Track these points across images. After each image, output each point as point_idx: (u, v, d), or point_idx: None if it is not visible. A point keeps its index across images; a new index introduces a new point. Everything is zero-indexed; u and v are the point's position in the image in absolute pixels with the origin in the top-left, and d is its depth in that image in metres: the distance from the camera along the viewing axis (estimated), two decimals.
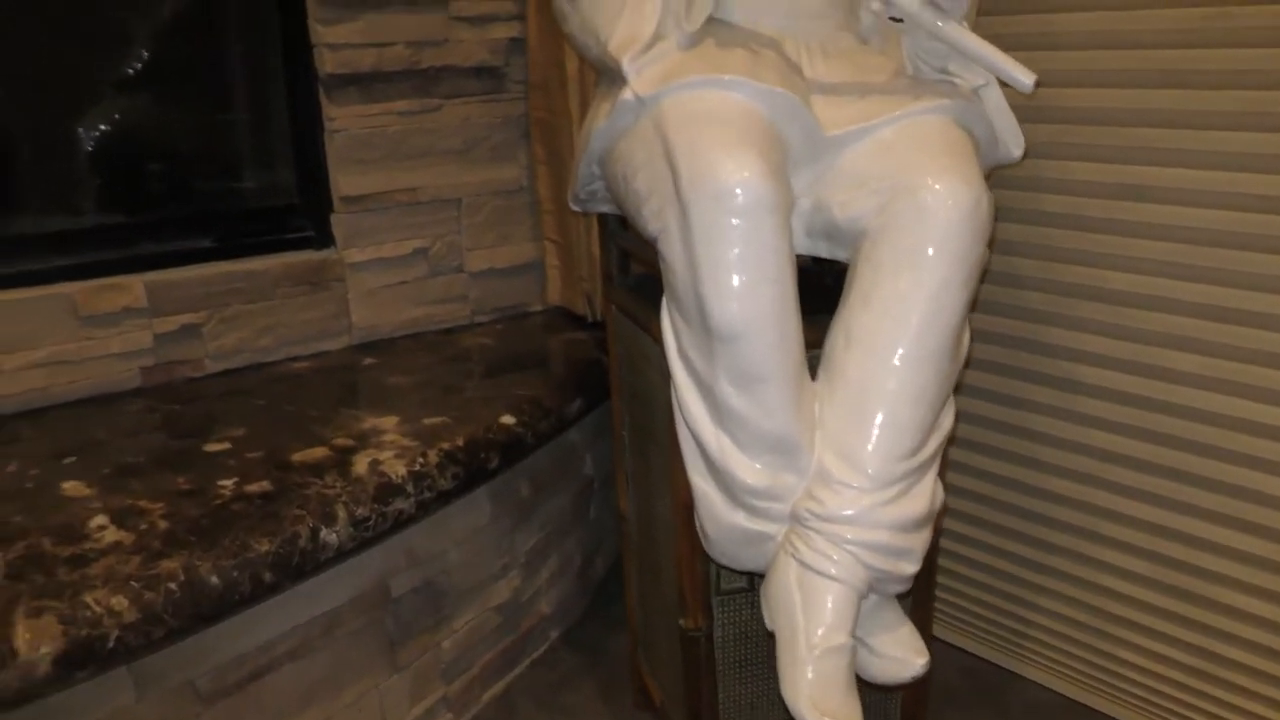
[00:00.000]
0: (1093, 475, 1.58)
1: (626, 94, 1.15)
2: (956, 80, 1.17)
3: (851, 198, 1.14)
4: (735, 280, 1.04)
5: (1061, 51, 1.48)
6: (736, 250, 1.04)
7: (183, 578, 1.15)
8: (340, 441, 1.48)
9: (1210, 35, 1.35)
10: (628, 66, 1.15)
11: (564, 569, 1.92)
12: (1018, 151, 1.23)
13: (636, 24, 1.18)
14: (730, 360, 1.07)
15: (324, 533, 1.28)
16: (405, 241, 1.94)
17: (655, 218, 1.11)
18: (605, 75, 1.27)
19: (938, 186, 1.08)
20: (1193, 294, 1.42)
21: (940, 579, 1.82)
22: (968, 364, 1.30)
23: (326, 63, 1.78)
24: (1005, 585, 1.75)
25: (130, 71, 1.78)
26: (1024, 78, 1.09)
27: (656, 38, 1.17)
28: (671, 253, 1.09)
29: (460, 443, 1.48)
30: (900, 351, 1.08)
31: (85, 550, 1.19)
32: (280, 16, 1.80)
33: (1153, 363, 1.48)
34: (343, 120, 1.82)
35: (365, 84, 1.83)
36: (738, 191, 1.03)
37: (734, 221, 1.03)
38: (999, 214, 1.42)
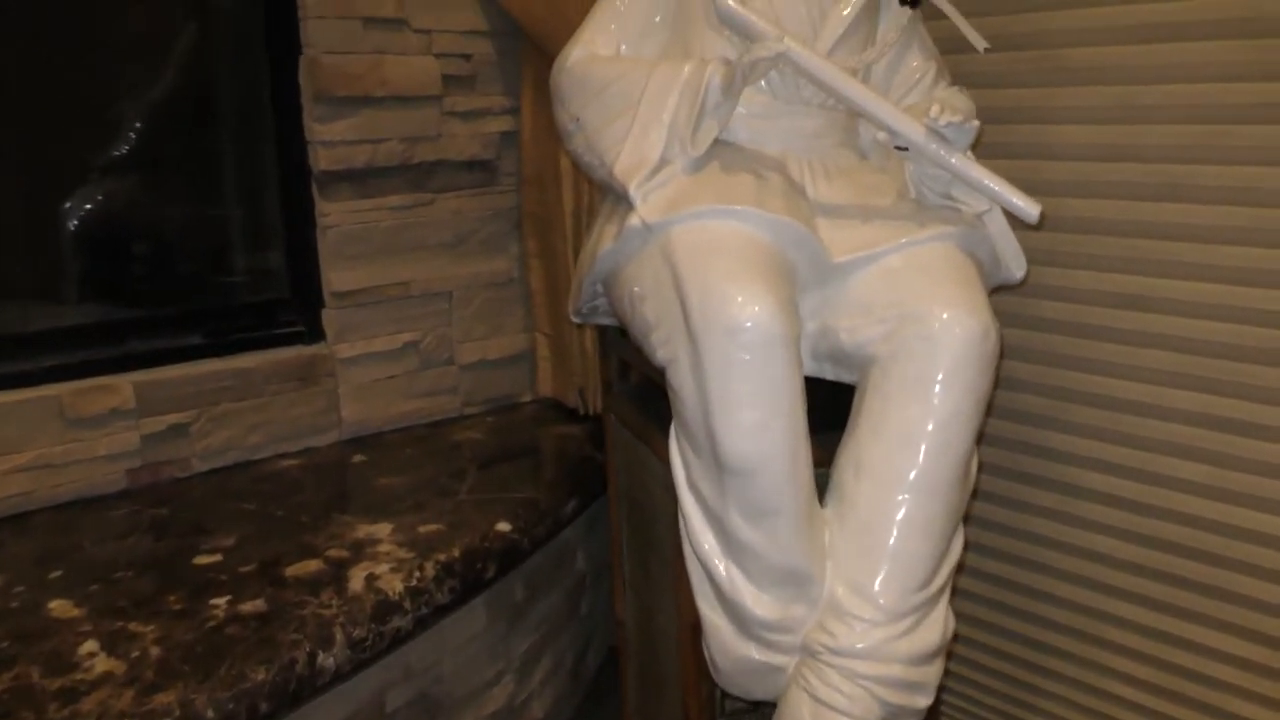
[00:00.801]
0: (1093, 579, 1.57)
1: (634, 220, 1.14)
2: (960, 206, 1.17)
3: (858, 324, 1.13)
4: (747, 416, 1.04)
5: (1059, 161, 1.49)
6: (748, 385, 1.03)
7: (178, 713, 1.11)
8: (334, 553, 1.45)
9: (1210, 151, 1.36)
10: (634, 192, 1.14)
11: (557, 669, 1.89)
12: (1019, 273, 1.24)
13: (643, 148, 1.18)
14: (742, 494, 1.06)
15: (321, 657, 1.25)
16: (396, 335, 1.92)
17: (664, 346, 1.10)
18: (610, 194, 1.27)
19: (945, 316, 1.08)
20: (1194, 403, 1.43)
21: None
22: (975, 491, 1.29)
23: (321, 160, 1.78)
24: (1005, 687, 1.73)
25: (121, 164, 1.77)
26: (1030, 209, 1.10)
27: (663, 162, 1.17)
28: (682, 384, 1.08)
29: (457, 554, 1.45)
30: (910, 484, 1.08)
31: (76, 682, 1.15)
32: (275, 113, 1.80)
33: (1153, 469, 1.48)
34: (335, 216, 1.81)
35: (359, 180, 1.83)
36: (749, 325, 1.03)
37: (745, 356, 1.03)
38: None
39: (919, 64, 1.34)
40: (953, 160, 1.11)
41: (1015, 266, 1.23)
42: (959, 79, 1.41)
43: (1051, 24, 1.47)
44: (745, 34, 1.16)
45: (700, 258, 1.08)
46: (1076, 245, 1.49)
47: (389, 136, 1.84)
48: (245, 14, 1.78)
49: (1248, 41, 1.32)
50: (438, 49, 1.88)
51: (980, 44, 1.32)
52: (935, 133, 1.11)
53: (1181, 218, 1.40)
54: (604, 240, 1.22)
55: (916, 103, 1.30)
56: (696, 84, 1.17)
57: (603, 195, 1.34)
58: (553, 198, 1.90)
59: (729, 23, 1.17)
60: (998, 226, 1.20)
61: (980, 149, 1.31)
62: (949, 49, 1.42)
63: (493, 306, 2.03)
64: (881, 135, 1.15)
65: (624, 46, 1.30)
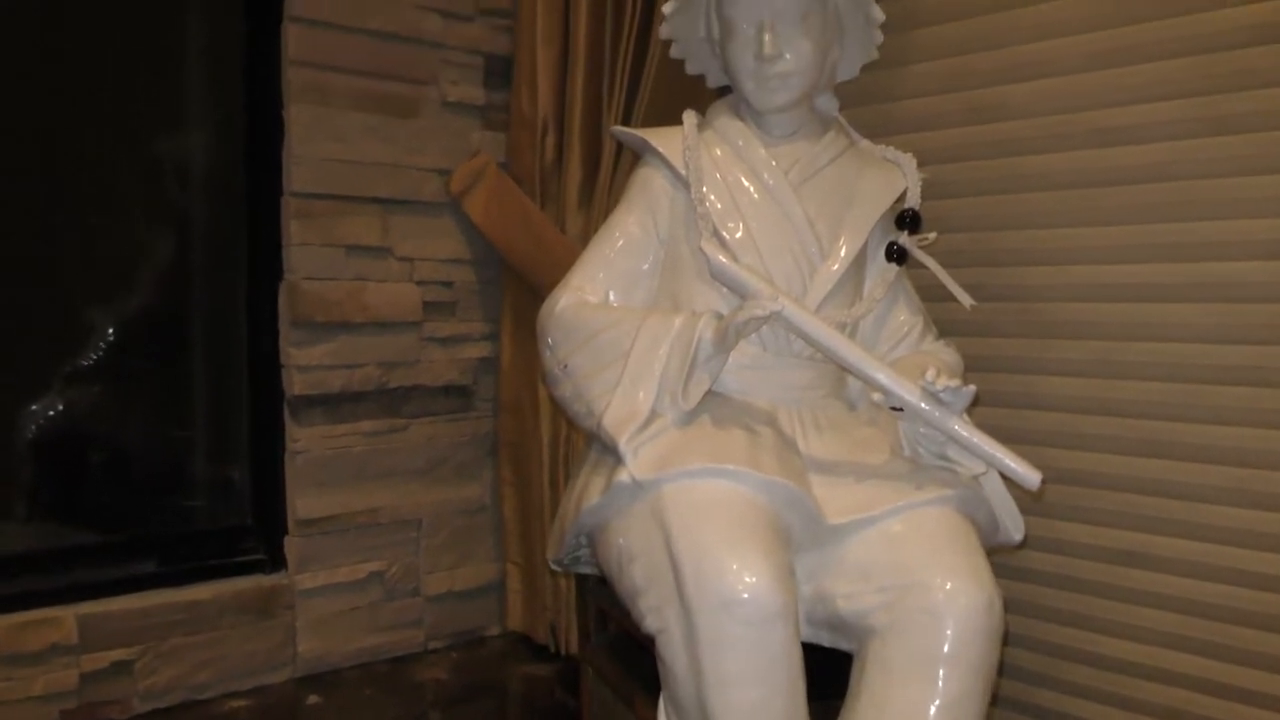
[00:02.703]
0: None
1: (623, 476, 1.10)
2: (956, 467, 1.15)
3: (857, 591, 1.08)
4: (745, 694, 0.97)
5: (1045, 412, 1.49)
6: (746, 662, 0.97)
7: None
8: None
9: (1192, 410, 1.36)
10: (625, 447, 1.11)
11: None
12: (1018, 536, 1.20)
13: (632, 400, 1.15)
14: None
15: None
16: (361, 565, 1.84)
17: (654, 614, 1.05)
18: (597, 441, 1.23)
19: (949, 586, 1.03)
20: (1191, 667, 1.37)
21: None
22: None
23: (295, 384, 1.74)
24: None
25: (83, 375, 1.73)
26: (1030, 476, 1.07)
27: (653, 414, 1.15)
28: (674, 658, 1.02)
29: None
30: None
31: None
32: (250, 335, 1.78)
33: None
34: (306, 441, 1.76)
35: (332, 405, 1.79)
36: (745, 598, 0.98)
37: (742, 632, 0.97)
38: None
39: (906, 318, 1.35)
40: (950, 424, 1.09)
41: (1014, 529, 1.20)
42: (942, 326, 1.42)
43: (1030, 279, 1.50)
44: (739, 290, 1.16)
45: (694, 520, 1.04)
46: (1065, 498, 1.47)
47: (366, 361, 1.82)
48: (228, 235, 1.78)
49: (1227, 305, 1.34)
50: (419, 276, 1.88)
51: (966, 300, 1.34)
52: (931, 395, 1.09)
53: (1169, 475, 1.39)
54: (590, 493, 1.17)
55: (904, 356, 1.30)
56: (688, 337, 1.16)
57: (587, 440, 1.31)
58: (530, 427, 1.87)
59: (722, 279, 1.17)
60: (995, 489, 1.17)
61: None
62: (931, 297, 1.43)
63: (463, 535, 1.97)
64: (876, 395, 1.13)
65: (613, 294, 1.29)
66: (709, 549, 1.00)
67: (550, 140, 1.82)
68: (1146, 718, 1.42)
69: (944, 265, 1.31)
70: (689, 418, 1.16)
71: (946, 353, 1.33)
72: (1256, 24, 1.31)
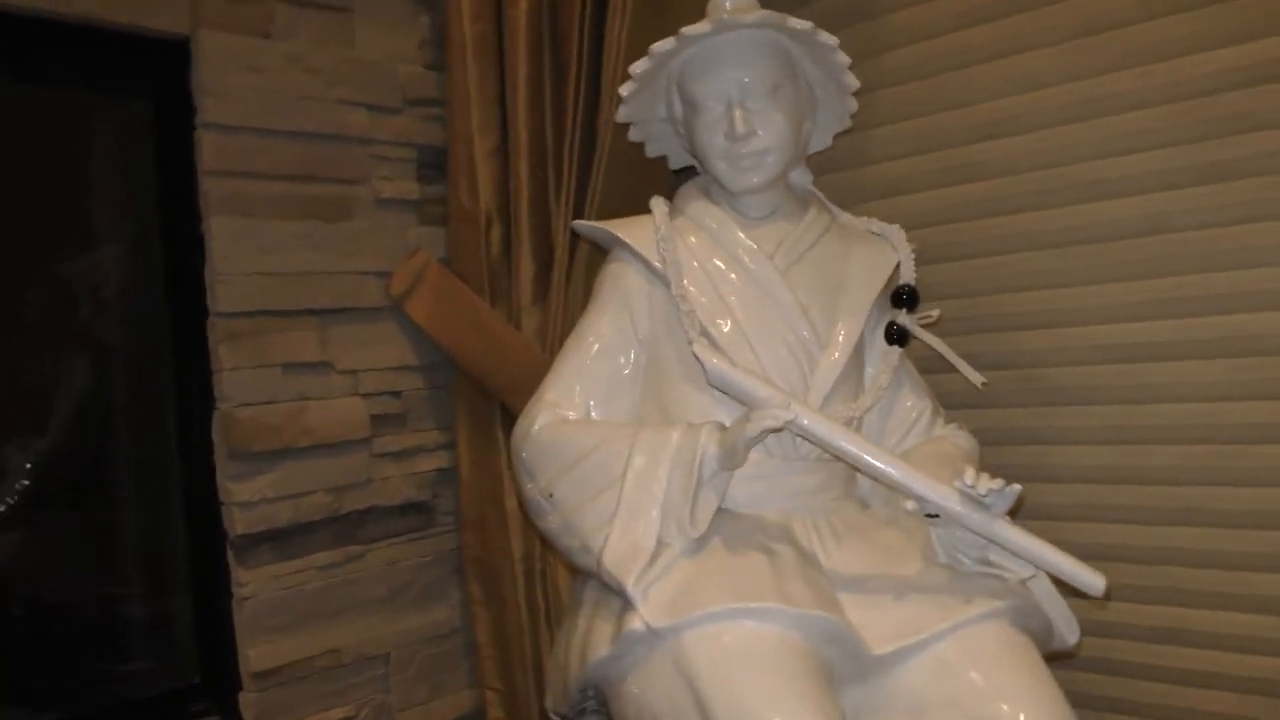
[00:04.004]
0: None
1: (635, 624, 0.97)
2: (1003, 573, 1.03)
3: None
4: None
5: (1060, 484, 1.39)
6: None
7: None
8: None
9: (1221, 473, 1.27)
10: (633, 591, 0.98)
11: None
12: (1073, 639, 1.09)
13: (634, 533, 1.02)
14: None
15: None
16: (327, 713, 1.66)
17: None
18: (594, 578, 1.10)
19: (1023, 717, 0.92)
20: None
21: None
22: None
23: (237, 523, 1.57)
24: None
25: None
26: (1095, 581, 0.96)
27: (659, 545, 1.02)
28: None
29: None
30: None
31: None
32: (184, 472, 1.61)
33: None
34: (255, 584, 1.59)
35: (281, 540, 1.62)
36: None
37: None
38: None
39: (913, 403, 1.24)
40: (997, 530, 0.98)
41: (1068, 632, 1.09)
42: (943, 399, 1.32)
43: (1028, 344, 1.41)
44: (742, 398, 1.04)
45: (727, 674, 0.91)
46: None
47: (313, 488, 1.66)
48: (152, 363, 1.62)
49: (1242, 360, 1.26)
50: (364, 388, 1.73)
51: (977, 379, 1.24)
52: (971, 499, 0.98)
53: (1202, 544, 1.30)
54: (597, 642, 1.04)
55: (922, 448, 1.19)
56: (690, 454, 1.03)
57: (576, 573, 1.17)
58: (498, 543, 1.72)
59: (722, 386, 1.05)
60: (1045, 591, 1.06)
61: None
62: (921, 369, 1.34)
63: (435, 664, 1.80)
64: (910, 504, 1.01)
65: (593, 406, 1.17)
66: (751, 709, 0.87)
67: (495, 233, 1.69)
68: None
69: (934, 336, 1.22)
70: (699, 544, 1.03)
71: (962, 437, 1.23)
72: (1239, 67, 1.25)
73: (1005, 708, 0.92)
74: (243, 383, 1.59)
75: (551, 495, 1.10)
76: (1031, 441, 1.41)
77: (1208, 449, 1.28)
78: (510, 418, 1.67)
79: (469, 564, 1.79)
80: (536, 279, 1.65)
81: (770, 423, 0.98)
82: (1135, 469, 1.33)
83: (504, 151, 1.66)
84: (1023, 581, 1.04)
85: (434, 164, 1.81)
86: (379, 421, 1.75)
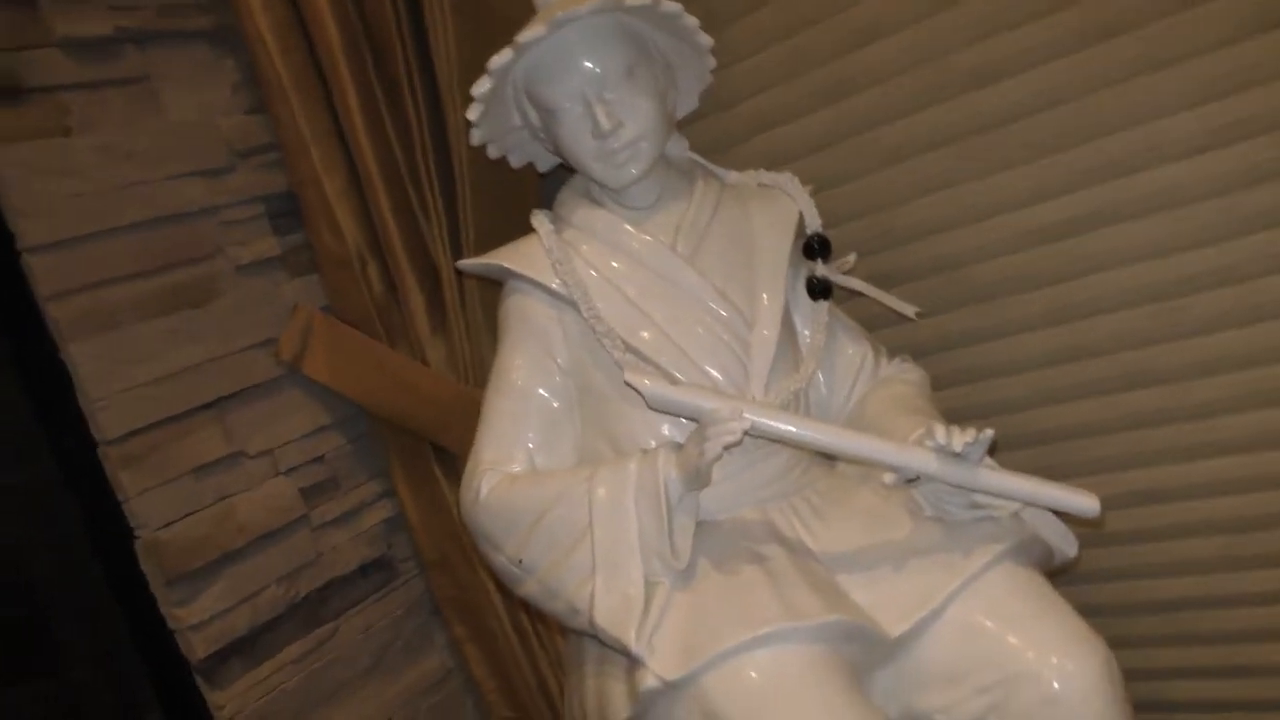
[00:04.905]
0: None
1: (650, 680, 0.92)
2: (992, 512, 1.00)
3: (953, 700, 0.94)
4: None
5: (1012, 377, 1.37)
6: None
7: None
8: None
9: (1171, 330, 1.26)
10: (637, 650, 0.93)
11: None
12: (1072, 551, 1.07)
13: (619, 583, 0.97)
14: None
15: None
16: None
17: None
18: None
19: (1056, 662, 0.90)
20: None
21: None
22: None
23: (196, 646, 1.49)
24: None
25: None
26: (1087, 503, 0.94)
27: (648, 588, 0.97)
28: None
29: None
30: None
31: None
32: (125, 614, 1.51)
33: None
34: (233, 703, 1.51)
35: (246, 648, 1.54)
36: None
37: None
38: None
39: (854, 350, 1.20)
40: (981, 480, 0.95)
41: (1067, 546, 1.06)
42: (874, 320, 1.29)
43: (947, 246, 1.37)
44: (689, 416, 0.98)
45: (759, 713, 0.87)
46: (1066, 453, 1.35)
47: (264, 585, 1.57)
48: (54, 512, 1.50)
49: (1167, 213, 1.23)
50: (285, 465, 1.63)
51: (909, 310, 1.20)
52: (948, 455, 0.94)
53: (1161, 401, 1.29)
54: (613, 703, 0.98)
55: (879, 402, 1.14)
56: (652, 486, 0.98)
57: (565, 628, 1.11)
58: (468, 578, 1.65)
59: (666, 409, 0.99)
60: (1037, 515, 1.04)
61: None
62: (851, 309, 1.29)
63: (440, 712, 1.76)
64: (889, 477, 0.97)
65: (534, 452, 1.10)
66: None
67: (373, 270, 1.59)
68: None
69: (840, 255, 1.17)
70: (687, 571, 0.98)
71: (910, 371, 1.19)
72: None
73: (1040, 659, 0.90)
74: (156, 503, 1.48)
75: (521, 561, 1.04)
76: (973, 341, 1.38)
77: (1152, 308, 1.26)
78: (443, 451, 1.60)
79: (444, 605, 1.73)
80: (429, 308, 1.55)
81: (728, 438, 0.93)
82: (1081, 344, 1.31)
83: (357, 186, 1.55)
84: (1014, 515, 1.01)
85: (286, 211, 1.68)
86: (310, 493, 1.66)
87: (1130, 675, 1.32)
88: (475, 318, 1.50)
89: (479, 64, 1.08)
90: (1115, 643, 1.32)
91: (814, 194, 1.22)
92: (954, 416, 1.32)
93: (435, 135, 1.45)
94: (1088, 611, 1.26)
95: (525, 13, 1.12)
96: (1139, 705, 1.32)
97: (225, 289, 1.61)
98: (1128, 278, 1.26)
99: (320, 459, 1.68)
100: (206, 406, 1.55)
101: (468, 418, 1.50)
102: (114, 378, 1.46)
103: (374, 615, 1.70)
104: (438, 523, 1.66)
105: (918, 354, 1.37)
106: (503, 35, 1.08)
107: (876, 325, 1.36)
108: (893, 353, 1.30)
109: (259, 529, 1.57)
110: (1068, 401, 1.34)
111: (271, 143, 1.65)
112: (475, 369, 1.52)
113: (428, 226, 1.50)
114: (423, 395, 1.56)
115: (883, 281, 1.38)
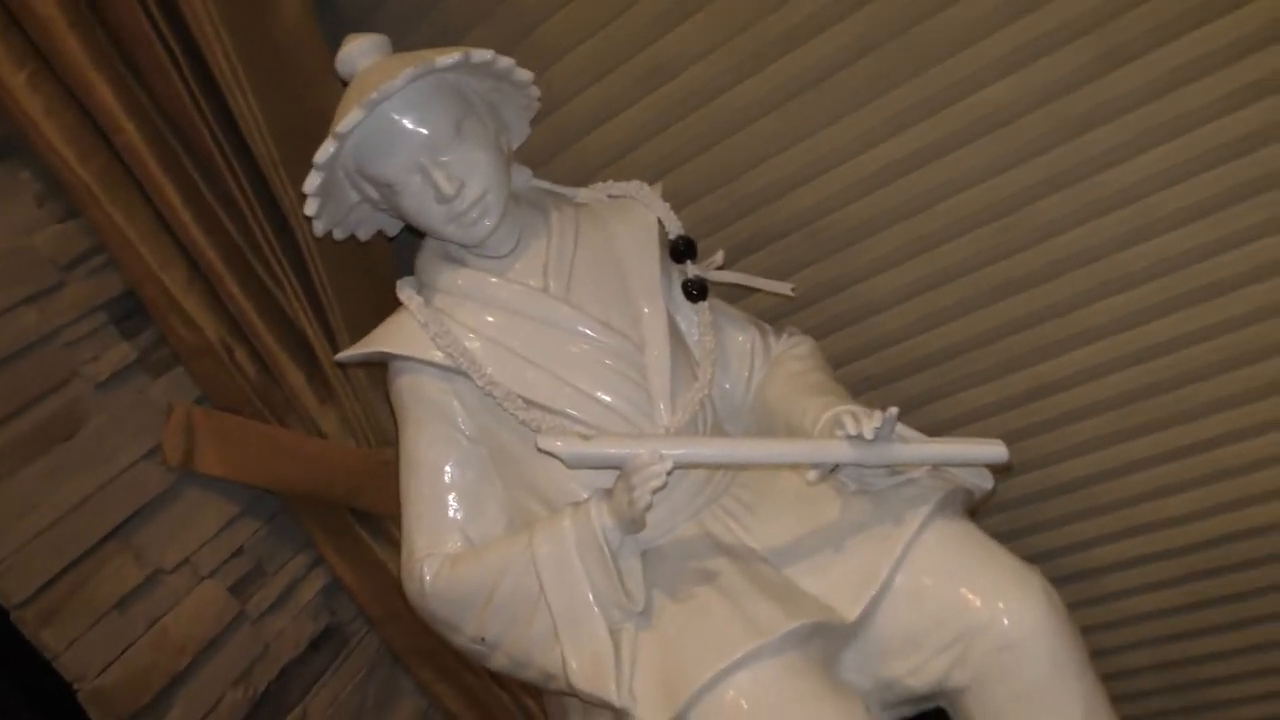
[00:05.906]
0: None
1: None
2: (911, 474, 1.05)
3: (918, 663, 1.00)
4: None
5: (886, 312, 1.42)
6: None
7: None
8: None
9: (1018, 240, 1.31)
10: (622, 703, 0.95)
11: None
12: (989, 485, 1.13)
13: (583, 640, 0.99)
14: None
15: None
16: None
17: None
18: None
19: (1002, 605, 0.96)
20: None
21: None
22: None
23: None
24: None
25: None
26: (995, 451, 1.00)
27: (614, 636, 0.99)
28: None
29: None
30: None
31: None
32: None
33: None
34: None
35: None
36: None
37: None
38: None
39: (743, 337, 1.23)
40: (894, 454, 0.99)
41: (984, 482, 1.12)
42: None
43: (795, 204, 1.39)
44: (609, 466, 1.00)
45: None
46: (947, 372, 1.41)
47: (219, 694, 1.55)
48: None
49: (1000, 131, 1.27)
50: (206, 568, 1.60)
51: (785, 288, 1.23)
52: (861, 441, 0.98)
53: (1026, 306, 1.35)
54: None
55: (779, 389, 1.17)
56: (591, 539, 1.00)
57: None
58: (420, 624, 1.63)
59: (585, 466, 1.00)
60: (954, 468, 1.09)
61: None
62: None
63: None
64: (811, 474, 1.01)
65: (464, 527, 1.10)
66: None
67: (241, 354, 1.53)
68: None
69: (700, 231, 1.19)
70: (647, 608, 1.01)
71: (799, 345, 1.23)
72: None
73: (986, 608, 0.96)
74: (88, 651, 1.44)
75: (484, 639, 1.05)
76: (842, 287, 1.41)
77: (998, 224, 1.31)
78: (360, 513, 1.58)
79: (404, 655, 1.73)
80: (311, 382, 1.52)
81: (654, 483, 0.95)
82: (942, 269, 1.36)
83: (202, 276, 1.49)
84: (932, 471, 1.06)
85: (130, 312, 1.60)
86: (239, 588, 1.63)
87: (1055, 553, 1.43)
88: (359, 381, 1.48)
89: (296, 136, 1.05)
90: (1034, 528, 1.42)
91: (663, 177, 1.22)
92: (842, 359, 1.38)
93: (269, 213, 1.40)
94: (1005, 505, 1.35)
95: (328, 75, 1.09)
96: (1068, 578, 1.43)
97: (90, 411, 1.53)
98: (969, 200, 1.31)
99: (240, 551, 1.64)
100: (109, 536, 1.50)
101: (377, 479, 1.50)
102: (4, 539, 1.40)
103: (337, 686, 1.70)
104: (374, 581, 1.65)
105: (795, 308, 1.42)
106: (309, 97, 1.05)
107: (754, 295, 1.39)
108: (775, 318, 1.34)
109: (199, 642, 1.54)
110: (943, 324, 1.39)
111: (95, 246, 1.56)
112: (373, 430, 1.50)
113: (288, 303, 1.46)
114: (328, 466, 1.54)
115: (746, 247, 1.41)
